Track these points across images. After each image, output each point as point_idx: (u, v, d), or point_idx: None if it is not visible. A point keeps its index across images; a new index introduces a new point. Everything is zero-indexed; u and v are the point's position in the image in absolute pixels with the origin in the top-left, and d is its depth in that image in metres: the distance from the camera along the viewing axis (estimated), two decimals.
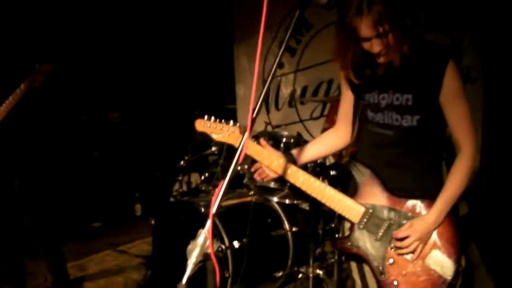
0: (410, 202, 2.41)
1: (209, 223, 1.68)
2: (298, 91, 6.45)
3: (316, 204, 4.08)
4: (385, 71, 2.40)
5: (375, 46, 2.25)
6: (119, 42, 6.73)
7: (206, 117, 2.74)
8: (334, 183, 2.62)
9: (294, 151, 2.78)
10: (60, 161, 6.25)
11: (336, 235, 4.02)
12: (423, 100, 2.33)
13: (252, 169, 2.75)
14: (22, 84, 3.89)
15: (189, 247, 1.66)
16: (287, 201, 4.20)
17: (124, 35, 6.75)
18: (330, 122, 5.04)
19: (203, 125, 2.73)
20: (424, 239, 2.35)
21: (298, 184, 2.55)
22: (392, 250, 2.40)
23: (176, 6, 6.94)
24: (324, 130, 5.18)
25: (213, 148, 4.95)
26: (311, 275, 4.08)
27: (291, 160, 2.69)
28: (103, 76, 6.73)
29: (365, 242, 2.45)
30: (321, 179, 3.03)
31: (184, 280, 1.62)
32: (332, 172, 4.16)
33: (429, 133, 2.40)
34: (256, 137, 3.93)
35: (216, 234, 3.87)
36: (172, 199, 4.74)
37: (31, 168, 4.24)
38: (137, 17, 6.85)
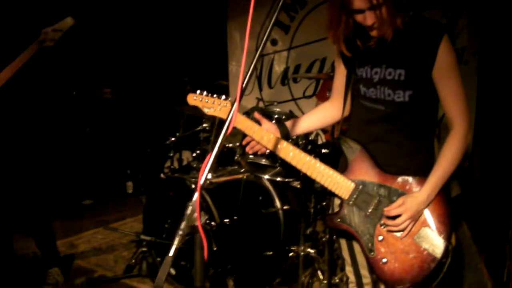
0: (401, 179, 2.38)
1: (196, 195, 1.65)
2: (291, 69, 6.42)
3: (307, 182, 4.05)
4: (378, 45, 2.36)
5: (368, 19, 2.21)
6: (110, 17, 6.65)
7: (198, 91, 2.74)
8: (325, 161, 2.59)
9: (288, 122, 2.75)
10: (51, 137, 6.20)
11: (326, 212, 4.01)
12: (416, 75, 2.29)
13: (244, 143, 2.72)
14: (31, 46, 3.65)
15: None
16: (278, 179, 4.16)
17: (116, 9, 6.67)
18: (321, 99, 5.01)
19: (194, 99, 2.74)
20: (415, 217, 2.33)
21: (288, 159, 2.53)
22: (382, 227, 2.38)
23: None
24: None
25: (205, 125, 4.91)
26: (302, 253, 4.06)
27: (285, 131, 2.67)
28: (94, 51, 6.66)
29: (355, 218, 2.43)
30: (312, 156, 3.00)
31: (171, 253, 1.60)
32: (324, 150, 4.13)
33: (421, 109, 2.37)
34: (247, 113, 3.90)
35: (206, 210, 3.85)
36: (162, 176, 4.70)
37: (22, 142, 4.19)
38: None
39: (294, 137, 3.01)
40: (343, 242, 2.70)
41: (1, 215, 4.12)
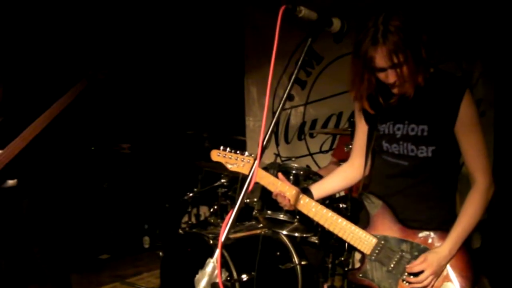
0: (423, 234, 2.38)
1: (217, 252, 1.65)
2: (308, 124, 6.44)
3: (325, 237, 4.04)
4: (399, 102, 2.39)
5: (390, 77, 2.25)
6: (129, 73, 6.75)
7: (221, 147, 2.78)
8: (344, 215, 2.60)
9: (310, 186, 2.75)
10: (69, 192, 6.24)
11: (346, 268, 3.97)
12: (439, 130, 2.33)
13: (273, 196, 2.71)
14: (81, 81, 3.62)
15: (197, 276, 1.64)
16: (296, 234, 4.15)
17: (134, 65, 6.78)
18: (337, 155, 5.02)
19: (218, 155, 2.80)
20: (437, 272, 2.32)
21: (310, 214, 2.54)
22: (404, 282, 2.36)
23: (188, 37, 6.98)
24: (330, 163, 5.17)
25: (223, 180, 4.93)
26: None
27: (309, 195, 2.66)
28: (113, 106, 6.75)
29: (377, 274, 2.42)
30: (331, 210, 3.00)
31: None
32: (342, 205, 4.13)
33: (443, 164, 2.39)
34: (266, 169, 3.92)
35: (224, 266, 3.83)
36: (180, 231, 4.69)
37: (41, 196, 4.21)
38: (149, 47, 6.91)
39: None
40: None
41: (19, 266, 4.13)
